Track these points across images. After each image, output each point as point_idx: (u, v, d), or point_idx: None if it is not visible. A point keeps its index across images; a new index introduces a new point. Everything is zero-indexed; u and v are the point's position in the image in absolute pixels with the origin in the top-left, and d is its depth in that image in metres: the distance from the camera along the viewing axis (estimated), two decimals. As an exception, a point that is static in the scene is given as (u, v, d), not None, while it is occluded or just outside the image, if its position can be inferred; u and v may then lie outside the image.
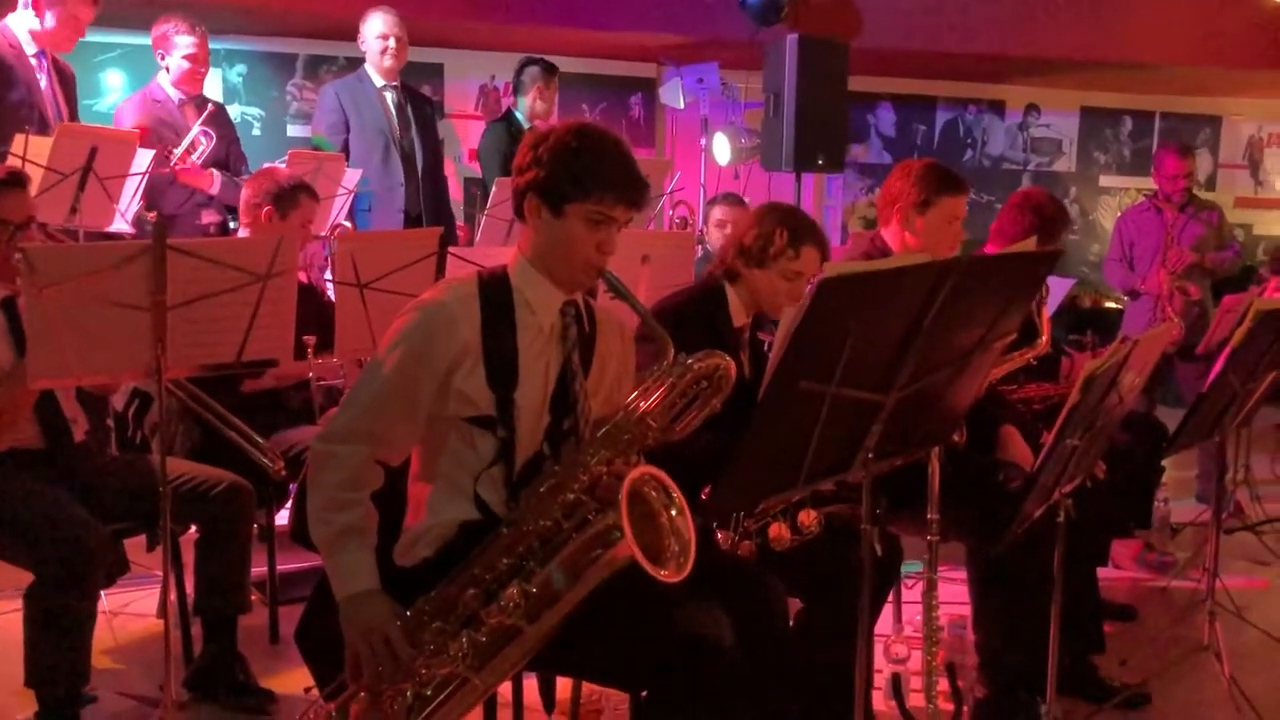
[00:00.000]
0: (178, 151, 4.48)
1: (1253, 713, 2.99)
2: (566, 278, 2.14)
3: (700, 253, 5.19)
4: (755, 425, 1.75)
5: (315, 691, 2.18)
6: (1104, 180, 9.57)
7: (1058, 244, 3.49)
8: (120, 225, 4.21)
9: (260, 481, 3.16)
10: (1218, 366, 2.97)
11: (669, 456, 2.09)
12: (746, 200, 5.61)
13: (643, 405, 2.02)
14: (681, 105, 6.97)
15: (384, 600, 2.04)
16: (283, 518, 3.27)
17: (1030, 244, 2.97)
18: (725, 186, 6.55)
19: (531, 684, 3.01)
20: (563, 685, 3.03)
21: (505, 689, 2.60)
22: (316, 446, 2.10)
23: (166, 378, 2.62)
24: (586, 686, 3.03)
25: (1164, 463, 4.41)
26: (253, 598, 3.18)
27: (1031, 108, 9.25)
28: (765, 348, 2.95)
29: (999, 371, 3.11)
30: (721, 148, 6.98)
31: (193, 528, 3.12)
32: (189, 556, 3.12)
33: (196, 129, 4.56)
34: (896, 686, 2.63)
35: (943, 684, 2.55)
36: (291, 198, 3.48)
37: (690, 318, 2.71)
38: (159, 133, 4.57)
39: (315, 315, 3.59)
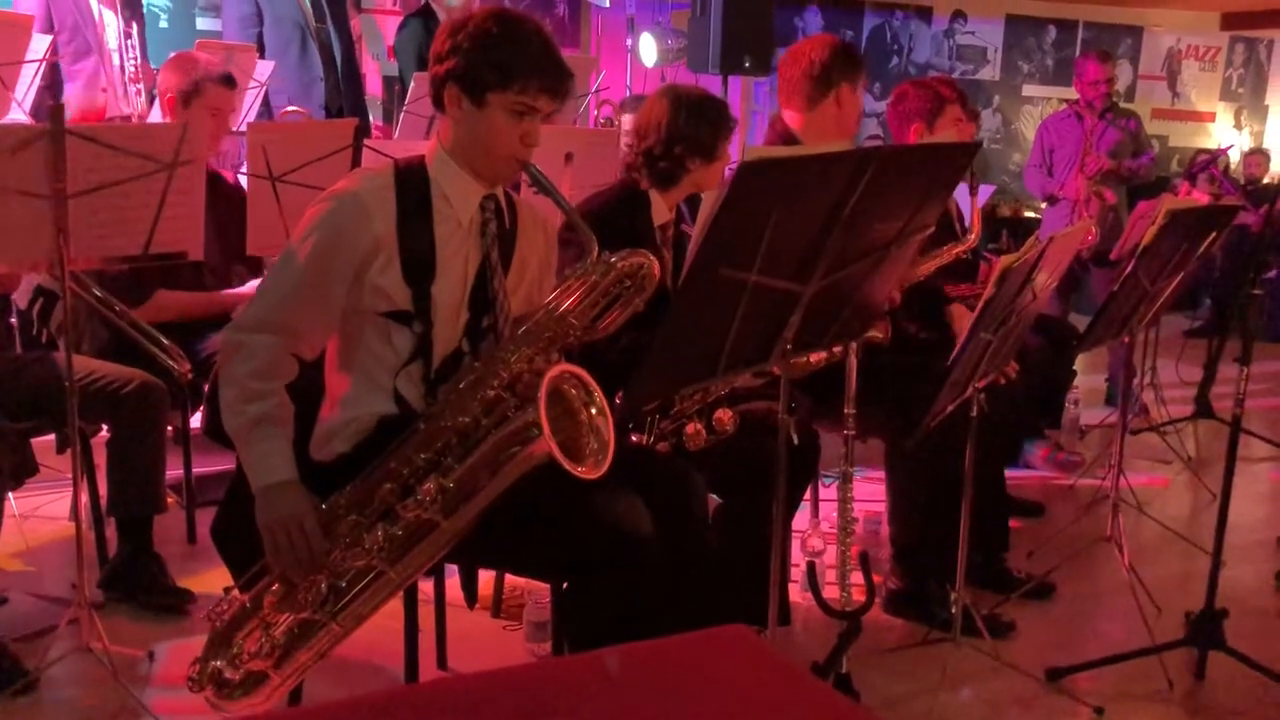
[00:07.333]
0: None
1: (1148, 598, 3.13)
2: (488, 171, 2.09)
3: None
4: (675, 310, 1.74)
5: (236, 591, 2.16)
6: (1027, 89, 9.63)
7: (943, 116, 3.43)
8: (18, 115, 4.01)
9: (174, 381, 3.09)
10: (1128, 267, 3.03)
11: (590, 358, 2.08)
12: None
13: (565, 303, 1.99)
14: (607, 4, 6.83)
15: (300, 491, 2.01)
16: (197, 420, 3.21)
17: (950, 136, 2.97)
18: (652, 88, 6.44)
19: (454, 580, 3.03)
20: (485, 581, 3.06)
21: (427, 585, 2.61)
22: (227, 336, 2.05)
23: (70, 270, 2.53)
24: (509, 580, 3.06)
25: (1076, 368, 4.54)
26: (169, 500, 3.13)
27: (958, 15, 9.23)
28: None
29: (929, 266, 3.14)
30: (648, 48, 6.85)
31: (104, 428, 3.05)
32: (102, 459, 3.06)
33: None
34: (812, 577, 2.69)
35: (857, 576, 2.60)
36: (195, 86, 3.35)
37: (611, 220, 2.67)
38: (62, 19, 4.33)
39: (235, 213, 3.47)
